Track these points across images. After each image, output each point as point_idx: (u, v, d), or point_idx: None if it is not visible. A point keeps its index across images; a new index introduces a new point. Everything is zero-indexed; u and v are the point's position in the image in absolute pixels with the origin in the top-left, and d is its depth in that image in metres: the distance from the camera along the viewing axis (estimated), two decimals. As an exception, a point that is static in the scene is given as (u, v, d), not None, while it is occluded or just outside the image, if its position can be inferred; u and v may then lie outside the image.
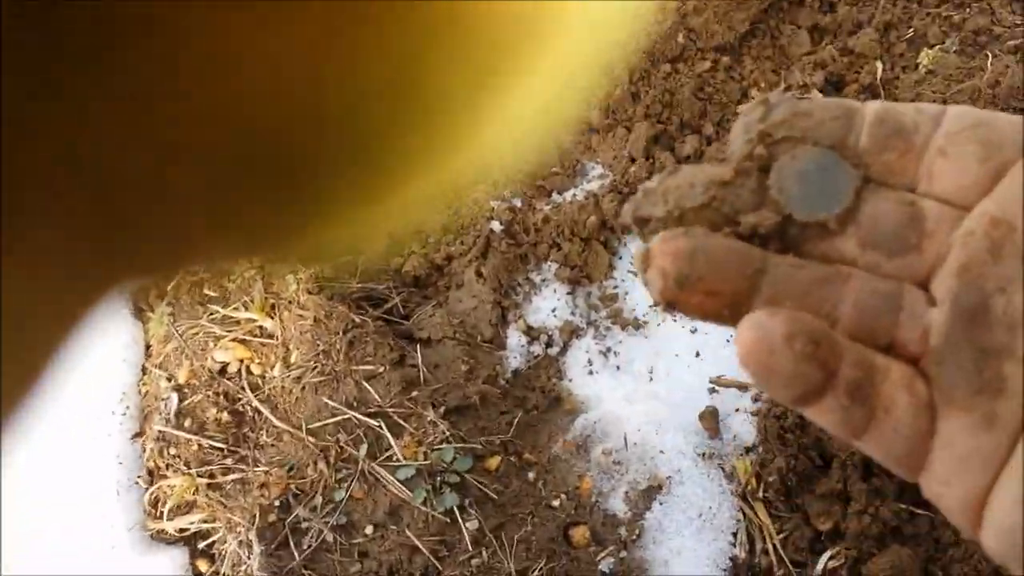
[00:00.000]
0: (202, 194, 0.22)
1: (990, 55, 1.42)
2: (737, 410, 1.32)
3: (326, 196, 0.25)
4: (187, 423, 1.46)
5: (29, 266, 0.20)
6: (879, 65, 1.47)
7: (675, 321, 1.43)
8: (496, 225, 1.52)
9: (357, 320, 1.47)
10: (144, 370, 1.58)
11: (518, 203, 1.56)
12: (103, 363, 1.57)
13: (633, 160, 1.55)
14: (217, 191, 0.23)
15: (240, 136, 0.21)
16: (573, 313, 1.46)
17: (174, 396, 1.50)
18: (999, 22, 1.47)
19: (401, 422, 1.34)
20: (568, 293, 1.48)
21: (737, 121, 0.36)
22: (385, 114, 0.23)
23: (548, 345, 1.45)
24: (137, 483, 1.45)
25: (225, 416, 1.45)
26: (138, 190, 0.21)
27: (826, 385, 0.32)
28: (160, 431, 1.46)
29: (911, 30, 1.49)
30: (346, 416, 1.36)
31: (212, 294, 1.60)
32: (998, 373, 0.30)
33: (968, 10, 1.48)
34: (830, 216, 0.33)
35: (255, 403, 1.45)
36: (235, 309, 1.55)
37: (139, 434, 1.51)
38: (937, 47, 1.45)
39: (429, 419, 1.33)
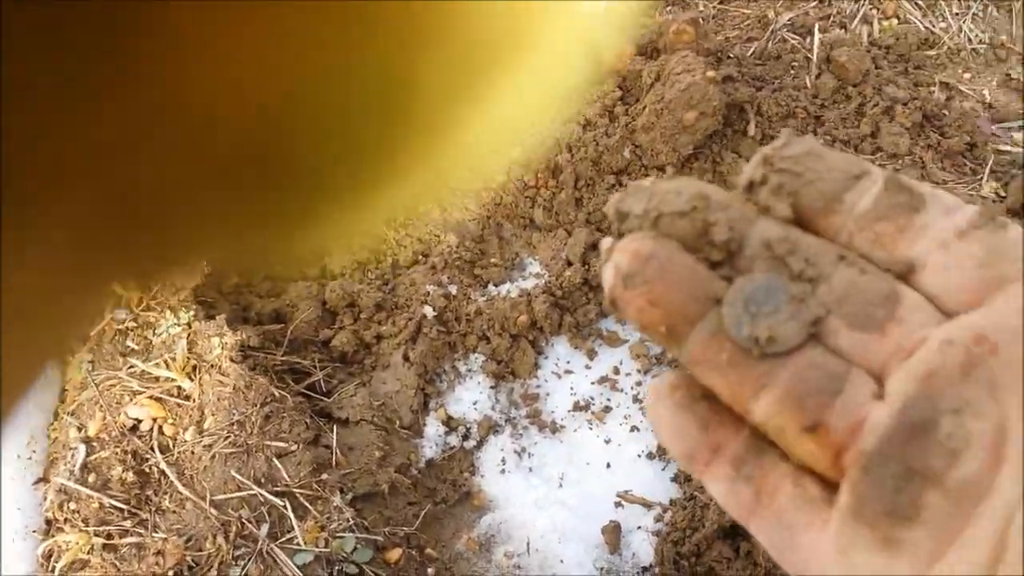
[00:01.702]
0: (193, 195, 0.23)
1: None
2: (639, 527, 1.34)
3: (308, 197, 0.25)
4: (91, 478, 1.43)
5: (32, 263, 0.20)
6: (811, 204, 1.52)
7: (591, 429, 1.45)
8: (429, 310, 1.54)
9: (277, 394, 1.46)
10: (56, 415, 1.55)
11: (454, 290, 1.58)
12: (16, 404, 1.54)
13: (570, 263, 1.58)
14: (206, 192, 0.23)
15: (227, 138, 0.21)
16: (494, 408, 1.48)
17: (82, 448, 1.47)
18: (929, 176, 1.54)
19: (307, 504, 1.33)
20: (491, 387, 1.49)
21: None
22: (367, 119, 0.24)
23: (465, 438, 1.46)
24: (34, 533, 1.42)
25: (130, 476, 1.42)
26: (132, 191, 0.21)
27: (714, 452, 0.33)
28: (62, 484, 1.43)
29: (845, 173, 1.55)
30: (252, 492, 1.34)
31: (135, 347, 1.59)
32: (915, 500, 0.29)
33: (901, 162, 1.55)
34: (772, 348, 0.32)
35: (163, 465, 1.43)
36: (156, 365, 1.54)
37: (43, 480, 1.47)
38: (868, 193, 1.51)
39: (335, 504, 1.32)
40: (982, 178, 1.56)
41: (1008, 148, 1.61)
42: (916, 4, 1.73)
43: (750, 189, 0.34)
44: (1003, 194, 1.54)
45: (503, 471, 1.42)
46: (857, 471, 0.30)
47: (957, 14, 1.73)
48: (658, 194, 0.34)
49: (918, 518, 0.28)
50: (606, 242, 0.34)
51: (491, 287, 1.60)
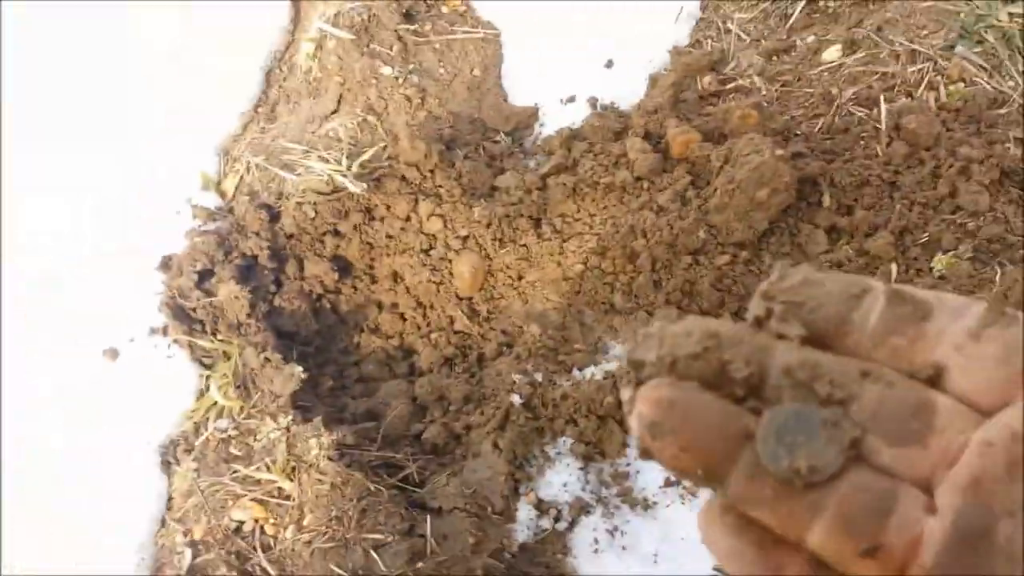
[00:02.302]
0: None
1: (1003, 264, 1.45)
2: (741, 601, 1.29)
3: None
4: (196, 580, 1.47)
5: None
6: (893, 268, 1.51)
7: (683, 504, 1.43)
8: (517, 398, 1.56)
9: (372, 488, 1.49)
10: (163, 523, 1.60)
11: (539, 377, 1.60)
12: (126, 513, 1.60)
13: (653, 344, 1.58)
14: None
15: None
16: (584, 489, 1.47)
17: (188, 552, 1.51)
18: (1013, 231, 1.51)
19: (404, 592, 1.34)
20: (580, 468, 1.49)
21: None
22: None
23: (556, 520, 1.45)
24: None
25: (234, 575, 1.46)
26: None
27: (777, 571, 0.32)
28: (170, 587, 1.47)
29: (926, 235, 1.54)
30: (350, 583, 1.36)
31: (237, 453, 1.64)
32: None
33: (983, 219, 1.53)
34: (815, 477, 0.31)
35: (264, 564, 1.46)
36: (257, 469, 1.58)
37: (150, 585, 1.52)
38: (951, 253, 1.49)
39: (431, 591, 1.32)
40: (1070, 228, 1.52)
41: (1092, 198, 1.57)
42: (981, 67, 1.74)
43: (759, 325, 0.35)
44: (1095, 244, 1.50)
45: (596, 551, 1.41)
46: None
47: (1024, 72, 1.73)
48: (668, 339, 0.35)
49: None
50: (626, 392, 0.35)
51: (576, 372, 1.62)
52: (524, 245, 1.80)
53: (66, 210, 1.95)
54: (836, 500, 0.31)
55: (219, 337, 1.78)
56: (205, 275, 1.84)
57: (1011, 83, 1.72)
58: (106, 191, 1.96)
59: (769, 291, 0.35)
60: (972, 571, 0.28)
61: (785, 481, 0.32)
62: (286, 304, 1.84)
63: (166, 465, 1.66)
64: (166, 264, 1.87)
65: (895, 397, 0.32)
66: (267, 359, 1.71)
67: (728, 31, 2.01)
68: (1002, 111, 1.69)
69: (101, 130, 2.05)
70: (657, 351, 0.34)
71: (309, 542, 1.47)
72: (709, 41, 2.01)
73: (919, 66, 1.77)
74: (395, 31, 2.21)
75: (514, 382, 1.59)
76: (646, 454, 0.33)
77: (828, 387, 0.32)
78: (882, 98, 1.74)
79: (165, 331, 1.78)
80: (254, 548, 1.49)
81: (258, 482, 1.58)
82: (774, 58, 1.94)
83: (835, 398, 0.32)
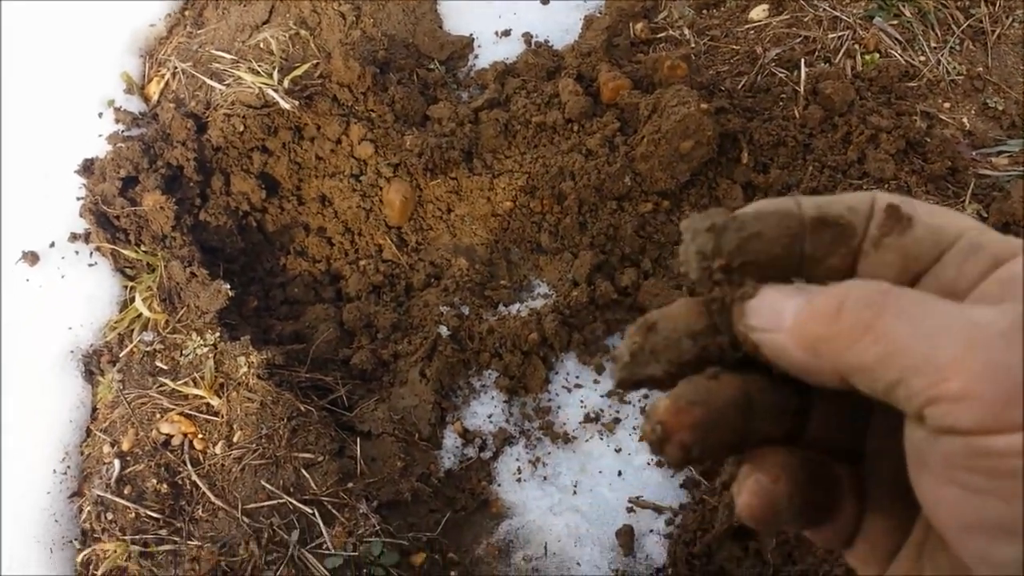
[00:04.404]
0: None
1: (901, 230, 1.58)
2: (651, 531, 1.42)
3: None
4: (127, 490, 1.50)
5: None
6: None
7: (602, 439, 1.54)
8: (444, 330, 1.62)
9: (302, 408, 1.54)
10: (88, 432, 1.62)
11: (466, 311, 1.67)
12: (49, 421, 1.61)
13: (576, 284, 1.67)
14: None
15: None
16: (507, 421, 1.56)
17: (116, 462, 1.54)
18: (914, 199, 1.64)
19: (334, 512, 1.41)
20: (505, 401, 1.57)
21: (685, 245, 0.38)
22: None
23: (481, 449, 1.54)
24: (72, 543, 1.49)
25: (164, 487, 1.49)
26: None
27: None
28: (99, 495, 1.49)
29: (834, 198, 1.65)
30: (282, 501, 1.42)
31: (163, 366, 1.66)
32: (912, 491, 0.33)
33: (887, 186, 1.65)
34: None
35: (194, 478, 1.50)
36: (184, 384, 1.61)
37: (77, 494, 1.54)
38: (856, 216, 1.60)
39: (361, 511, 1.40)
40: (964, 200, 1.66)
41: (988, 172, 1.72)
42: (896, 39, 1.84)
43: (706, 284, 0.37)
44: (985, 215, 1.64)
45: (519, 480, 1.50)
46: (868, 476, 0.39)
47: (935, 47, 1.85)
48: (663, 351, 0.37)
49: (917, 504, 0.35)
50: (648, 421, 0.36)
51: (501, 307, 1.69)
52: (455, 178, 1.84)
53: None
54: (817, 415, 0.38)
55: (143, 248, 1.77)
56: (128, 182, 1.81)
57: (922, 58, 1.83)
58: (21, 84, 1.89)
59: (726, 263, 0.36)
60: (896, 452, 0.34)
61: None
62: (211, 219, 1.83)
63: (89, 375, 1.67)
64: (87, 168, 1.83)
65: None
66: (193, 274, 1.71)
67: (663, -22, 2.05)
68: (912, 84, 1.81)
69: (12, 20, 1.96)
70: (660, 366, 0.37)
71: (239, 458, 1.52)
72: (644, -13, 2.05)
73: (839, 33, 1.86)
74: (329, -59, 2.17)
75: (441, 314, 1.65)
76: (681, 467, 0.38)
77: None
78: (802, 62, 1.83)
79: (87, 238, 1.76)
80: (183, 462, 1.53)
81: (185, 397, 1.61)
82: (704, 12, 2.00)
83: None
